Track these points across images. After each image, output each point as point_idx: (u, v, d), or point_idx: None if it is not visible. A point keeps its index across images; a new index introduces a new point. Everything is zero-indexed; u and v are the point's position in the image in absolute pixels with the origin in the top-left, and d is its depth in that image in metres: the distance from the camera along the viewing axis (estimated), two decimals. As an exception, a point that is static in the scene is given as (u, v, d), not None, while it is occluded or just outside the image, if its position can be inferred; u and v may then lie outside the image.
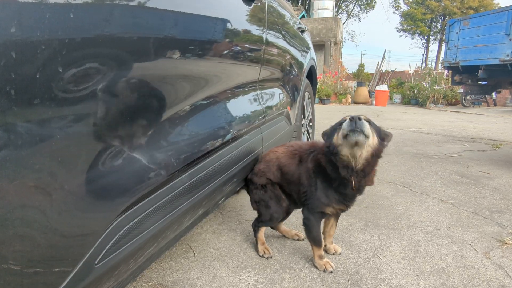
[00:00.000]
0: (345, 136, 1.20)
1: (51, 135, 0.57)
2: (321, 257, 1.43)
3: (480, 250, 1.59)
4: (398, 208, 2.10)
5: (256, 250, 1.56)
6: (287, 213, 1.58)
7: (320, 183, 1.37)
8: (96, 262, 0.68)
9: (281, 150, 1.57)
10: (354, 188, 1.29)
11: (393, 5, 35.80)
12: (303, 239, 1.68)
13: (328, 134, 1.34)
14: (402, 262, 1.48)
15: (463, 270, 1.42)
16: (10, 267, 0.53)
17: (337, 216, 1.54)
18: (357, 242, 1.65)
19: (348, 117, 1.22)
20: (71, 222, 0.62)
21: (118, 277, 0.80)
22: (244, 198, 2.14)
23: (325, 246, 1.56)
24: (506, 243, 1.64)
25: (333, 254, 1.54)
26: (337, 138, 1.25)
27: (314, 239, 1.42)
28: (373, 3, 29.35)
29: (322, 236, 1.56)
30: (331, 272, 1.40)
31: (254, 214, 1.64)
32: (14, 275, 0.54)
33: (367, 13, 30.66)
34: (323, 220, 1.49)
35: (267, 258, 1.50)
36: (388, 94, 11.69)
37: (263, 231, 1.59)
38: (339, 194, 1.34)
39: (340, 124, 1.27)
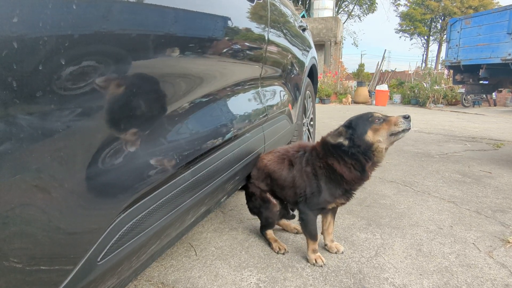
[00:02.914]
0: (395, 134, 1.27)
1: (53, 132, 0.56)
2: (314, 251, 1.46)
3: (483, 249, 1.58)
4: (400, 207, 2.09)
5: (272, 249, 1.57)
6: (282, 216, 1.63)
7: (323, 181, 1.38)
8: (98, 260, 0.67)
9: (269, 157, 1.60)
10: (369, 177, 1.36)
11: (393, 4, 35.69)
12: (302, 233, 1.69)
13: (357, 134, 1.29)
14: (405, 261, 1.47)
15: (466, 269, 1.41)
16: (12, 264, 0.52)
17: (334, 213, 1.56)
18: (360, 241, 1.64)
19: (401, 116, 1.27)
20: (73, 219, 0.62)
21: (120, 274, 0.79)
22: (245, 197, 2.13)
23: (326, 245, 1.57)
24: (509, 242, 1.63)
25: (335, 253, 1.53)
26: (378, 135, 1.27)
27: (311, 233, 1.45)
28: (374, 6, 29.26)
29: (322, 235, 1.58)
30: (321, 266, 1.42)
31: (255, 213, 1.63)
32: (16, 272, 0.53)
33: (366, 15, 30.55)
34: (320, 218, 1.52)
35: (283, 254, 1.53)
36: (388, 94, 11.67)
37: (271, 232, 1.63)
38: (344, 189, 1.37)
39: (364, 122, 1.29)
